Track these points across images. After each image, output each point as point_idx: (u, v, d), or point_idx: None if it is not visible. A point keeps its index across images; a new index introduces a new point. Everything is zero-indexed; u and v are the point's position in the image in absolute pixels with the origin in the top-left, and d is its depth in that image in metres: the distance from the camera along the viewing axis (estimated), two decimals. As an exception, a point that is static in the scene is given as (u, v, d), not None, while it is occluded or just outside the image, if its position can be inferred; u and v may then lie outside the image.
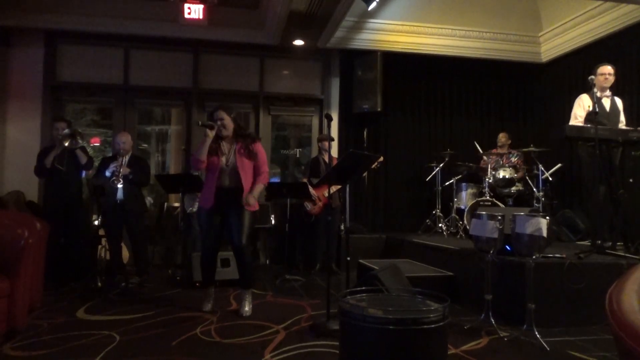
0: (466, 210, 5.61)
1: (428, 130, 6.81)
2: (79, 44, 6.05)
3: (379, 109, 6.26)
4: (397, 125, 6.73)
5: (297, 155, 6.96)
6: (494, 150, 6.17)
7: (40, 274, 3.24)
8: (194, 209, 5.33)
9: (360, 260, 4.80)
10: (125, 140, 4.63)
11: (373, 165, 4.83)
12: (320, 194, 5.27)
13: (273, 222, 5.71)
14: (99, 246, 4.74)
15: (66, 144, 4.45)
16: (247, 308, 3.58)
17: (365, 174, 6.05)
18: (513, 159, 5.96)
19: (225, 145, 3.57)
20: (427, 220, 6.00)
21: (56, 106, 6.00)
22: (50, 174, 4.55)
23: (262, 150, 3.67)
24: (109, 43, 6.08)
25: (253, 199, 3.54)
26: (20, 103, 5.78)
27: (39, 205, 5.34)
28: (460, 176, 5.97)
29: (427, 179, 6.17)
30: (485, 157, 5.97)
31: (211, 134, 3.46)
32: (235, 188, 3.53)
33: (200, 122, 3.49)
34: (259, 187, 3.61)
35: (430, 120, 6.83)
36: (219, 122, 3.51)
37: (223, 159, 3.53)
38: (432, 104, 6.85)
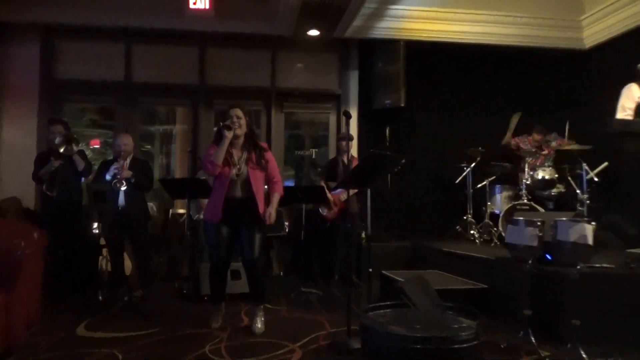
0: (501, 215, 5.54)
1: (457, 127, 6.74)
2: (78, 39, 6.15)
3: (402, 105, 6.22)
4: (422, 122, 6.67)
5: (313, 156, 6.97)
6: (529, 139, 6.09)
7: (38, 287, 3.29)
8: (202, 216, 5.36)
9: (383, 272, 4.77)
10: (126, 141, 4.69)
11: (397, 167, 4.79)
12: (336, 197, 5.26)
13: (287, 229, 5.72)
14: (100, 257, 4.80)
15: (61, 151, 4.52)
16: (259, 325, 3.59)
17: (388, 176, 6.02)
18: (553, 143, 5.88)
19: (235, 154, 3.59)
20: (458, 227, 5.94)
21: (54, 106, 6.11)
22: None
23: (272, 158, 3.75)
24: (110, 37, 6.16)
25: (275, 215, 3.64)
26: (16, 103, 5.89)
27: (36, 213, 5.44)
28: (493, 177, 5.90)
29: (456, 181, 6.11)
30: (523, 158, 5.89)
31: (230, 134, 3.48)
32: (247, 199, 3.57)
33: (221, 123, 3.53)
34: (277, 199, 3.69)
35: (459, 116, 6.76)
36: (235, 122, 3.52)
37: (234, 170, 3.55)
38: (462, 98, 6.78)
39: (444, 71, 6.72)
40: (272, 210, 3.62)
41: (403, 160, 4.74)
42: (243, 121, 3.55)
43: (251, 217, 3.55)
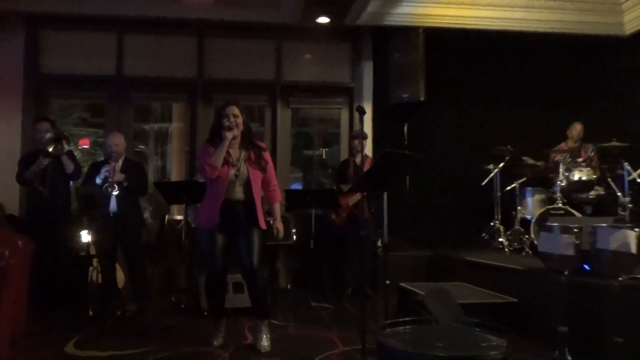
0: (533, 221, 5.51)
1: (483, 123, 6.72)
2: (65, 30, 6.22)
3: (421, 99, 6.21)
4: (444, 118, 6.66)
5: (323, 156, 6.98)
6: (562, 146, 6.06)
7: (23, 300, 3.34)
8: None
9: (402, 284, 4.76)
10: (118, 141, 4.73)
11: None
12: (345, 202, 5.25)
13: (295, 237, 5.72)
14: (90, 267, 4.83)
15: (50, 150, 4.56)
16: (264, 342, 3.60)
17: (406, 178, 6.01)
18: (589, 154, 5.83)
19: (233, 153, 3.62)
20: (484, 234, 5.92)
21: (39, 103, 6.17)
22: (33, 185, 4.67)
23: (271, 160, 3.80)
24: (100, 27, 6.22)
25: (282, 225, 3.78)
26: (-3, 100, 5.97)
27: (20, 220, 5.49)
28: (524, 179, 5.87)
29: (483, 183, 6.08)
30: (556, 157, 5.87)
31: (231, 135, 3.51)
32: (246, 202, 3.61)
33: (224, 123, 3.56)
34: (279, 208, 3.82)
35: (485, 111, 6.74)
36: (232, 121, 3.55)
37: (232, 171, 3.58)
38: (488, 90, 6.75)
39: (468, 61, 6.70)
40: (279, 223, 3.76)
41: (423, 160, 4.78)
42: (240, 119, 3.59)
43: (250, 221, 3.59)
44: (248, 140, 3.66)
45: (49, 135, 4.60)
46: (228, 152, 3.57)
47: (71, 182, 4.94)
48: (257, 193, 3.64)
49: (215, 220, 3.54)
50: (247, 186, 3.60)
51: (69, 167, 4.70)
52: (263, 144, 3.77)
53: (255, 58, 6.53)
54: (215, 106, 6.41)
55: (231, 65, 6.47)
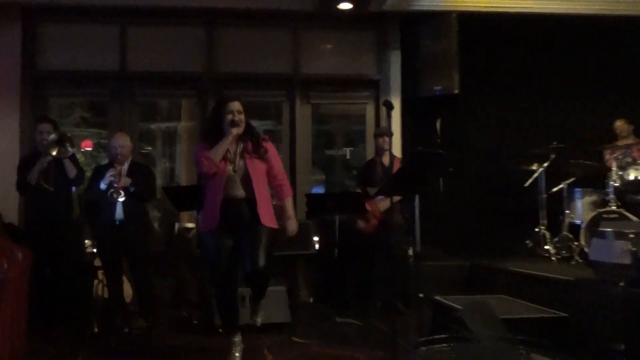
0: (583, 226, 5.47)
1: (525, 117, 6.68)
2: (64, 22, 6.34)
3: (455, 91, 6.19)
4: (481, 112, 6.63)
5: (347, 157, 6.99)
6: (617, 143, 6.00)
7: (22, 315, 3.40)
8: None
9: (436, 297, 4.74)
10: (123, 142, 4.77)
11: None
12: (374, 207, 5.25)
13: (316, 246, 5.74)
14: (95, 280, 4.91)
15: (54, 153, 4.62)
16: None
17: (439, 179, 5.98)
18: None
19: (230, 149, 3.66)
20: (528, 241, 5.87)
21: (37, 102, 6.28)
22: (34, 191, 4.72)
23: (273, 148, 3.81)
24: (101, 19, 6.33)
25: (295, 223, 3.79)
26: (-7, 99, 6.10)
27: (19, 229, 5.59)
28: (572, 179, 5.82)
29: (526, 184, 6.04)
30: (608, 155, 5.81)
31: (236, 131, 3.58)
32: (247, 199, 3.64)
33: (228, 121, 3.61)
34: (290, 204, 3.84)
35: (527, 105, 6.70)
36: (239, 120, 3.61)
37: (230, 166, 3.63)
38: (530, 81, 6.71)
39: (506, 49, 6.66)
40: (293, 220, 3.78)
41: (458, 160, 4.74)
42: (243, 116, 3.64)
43: (252, 220, 3.60)
44: (246, 133, 3.70)
45: (52, 137, 4.64)
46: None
47: (73, 188, 5.01)
48: (260, 187, 3.66)
49: (215, 222, 3.58)
50: (248, 181, 3.63)
51: (71, 171, 4.76)
52: (265, 136, 3.83)
53: (270, 49, 6.57)
54: (215, 102, 6.48)
55: (244, 57, 6.52)
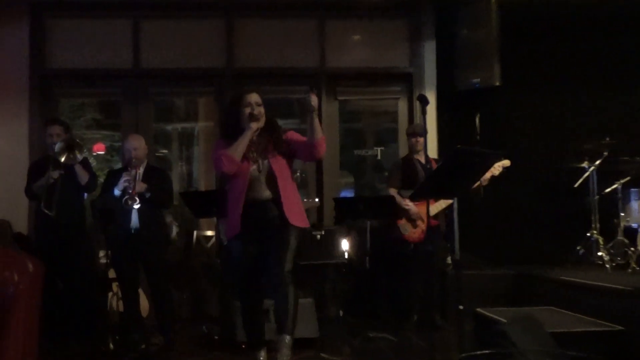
0: (640, 230, 5.39)
1: (574, 111, 6.59)
2: (73, 18, 6.46)
3: (496, 83, 6.15)
4: (525, 107, 6.57)
5: (378, 157, 6.98)
6: None
7: (34, 330, 3.44)
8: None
9: (478, 309, 4.72)
10: (137, 145, 4.83)
11: (495, 171, 4.78)
12: (423, 210, 5.19)
13: (347, 255, 5.74)
14: (110, 293, 4.98)
15: (62, 160, 4.71)
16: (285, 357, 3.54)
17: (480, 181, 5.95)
18: None
19: (252, 146, 3.67)
20: (579, 247, 5.81)
21: (47, 102, 6.41)
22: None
23: (295, 134, 3.80)
24: (113, 13, 6.45)
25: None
26: (1, 100, 6.20)
27: (29, 239, 5.70)
28: (627, 178, 5.74)
29: (575, 185, 5.98)
30: None
31: (256, 126, 3.60)
32: (273, 200, 3.64)
33: (248, 114, 3.62)
34: (318, 125, 3.56)
35: (575, 97, 6.60)
36: (255, 110, 3.63)
37: (254, 165, 3.64)
38: (578, 72, 6.61)
39: (552, 36, 6.58)
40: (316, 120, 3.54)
41: (500, 158, 4.72)
42: (262, 109, 3.67)
43: (282, 220, 3.61)
44: (266, 129, 3.71)
45: (58, 145, 4.71)
46: (248, 146, 3.63)
47: (85, 195, 5.09)
48: (287, 185, 3.67)
49: (237, 227, 3.59)
50: (274, 181, 3.64)
51: (83, 177, 4.84)
52: (286, 130, 3.83)
53: (294, 42, 6.61)
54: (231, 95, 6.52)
55: (266, 51, 6.57)
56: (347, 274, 5.91)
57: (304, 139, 3.67)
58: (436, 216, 5.02)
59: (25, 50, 6.27)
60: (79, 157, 4.75)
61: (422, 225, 5.23)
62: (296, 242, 3.64)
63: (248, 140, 3.57)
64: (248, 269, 3.66)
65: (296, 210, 3.67)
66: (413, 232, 5.26)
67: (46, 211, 4.67)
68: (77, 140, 4.88)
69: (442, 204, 5.02)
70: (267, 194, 3.65)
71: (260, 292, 3.77)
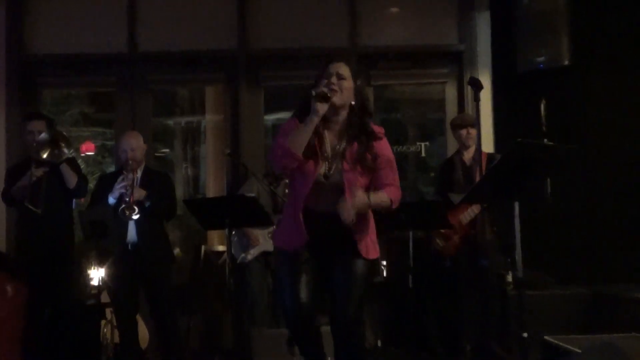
0: None
1: (662, 95, 6.52)
2: (58, -7, 6.54)
3: (565, 63, 6.12)
4: (600, 90, 6.50)
5: (422, 154, 6.97)
6: None
7: (16, 362, 3.52)
8: (250, 257, 5.48)
9: (546, 337, 4.69)
10: (135, 144, 4.88)
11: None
12: (455, 219, 5.20)
13: (385, 273, 5.75)
14: (103, 321, 5.03)
15: (44, 156, 4.75)
16: None
17: (547, 180, 5.92)
18: None
19: (328, 140, 3.42)
20: (670, 262, 5.76)
21: (27, 94, 6.48)
22: (24, 209, 4.83)
23: (388, 150, 3.51)
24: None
25: (361, 202, 3.27)
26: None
27: (8, 257, 5.76)
28: None
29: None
30: None
31: (323, 108, 3.25)
32: (338, 218, 3.31)
33: (314, 92, 3.25)
34: (381, 198, 3.37)
35: (664, 77, 6.54)
36: (334, 85, 3.33)
37: (323, 166, 3.38)
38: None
39: (636, 5, 6.52)
40: (359, 203, 3.26)
41: (572, 154, 4.68)
42: (348, 84, 3.37)
43: (345, 246, 3.40)
44: (357, 124, 3.42)
45: (42, 136, 4.77)
46: (321, 138, 3.38)
47: (74, 203, 5.14)
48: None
49: (296, 239, 3.40)
50: (340, 195, 3.31)
51: (71, 179, 4.90)
52: (380, 129, 3.51)
53: (319, 17, 6.63)
54: (266, 88, 6.49)
55: (285, 29, 6.59)
56: (386, 295, 5.93)
57: (389, 174, 3.45)
58: (473, 225, 5.02)
59: (1, 33, 6.34)
60: (66, 152, 4.80)
61: (455, 238, 5.23)
62: (363, 279, 3.46)
63: (313, 125, 3.25)
64: (299, 287, 3.41)
65: (364, 236, 3.45)
66: (447, 246, 5.26)
67: (31, 207, 4.70)
68: (64, 133, 4.93)
69: (474, 210, 5.01)
70: (328, 207, 3.33)
71: (312, 314, 3.50)
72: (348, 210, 3.21)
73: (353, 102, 3.38)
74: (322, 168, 3.35)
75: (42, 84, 6.71)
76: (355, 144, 3.37)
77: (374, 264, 3.53)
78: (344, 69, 3.35)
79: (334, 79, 3.31)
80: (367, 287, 3.56)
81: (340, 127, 3.42)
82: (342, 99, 3.32)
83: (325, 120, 3.35)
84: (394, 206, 3.42)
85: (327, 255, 3.45)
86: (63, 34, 6.48)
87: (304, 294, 3.42)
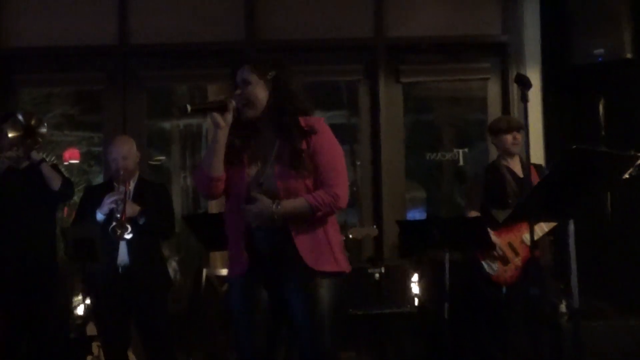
0: None
1: None
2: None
3: (627, 56, 6.11)
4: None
5: (460, 162, 6.97)
6: None
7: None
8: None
9: (608, 377, 4.70)
10: (127, 151, 4.88)
11: (625, 173, 4.71)
12: (515, 239, 5.17)
13: (417, 301, 5.75)
14: (89, 357, 5.05)
15: (11, 135, 4.75)
16: None
17: (607, 193, 5.91)
18: None
19: (257, 145, 3.40)
20: None
21: (2, 92, 6.53)
22: None
23: (330, 141, 3.41)
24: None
25: (264, 212, 3.21)
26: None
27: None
28: None
29: None
30: None
31: (223, 120, 3.25)
32: (284, 230, 3.29)
33: (189, 106, 3.27)
34: (296, 205, 3.27)
35: None
36: (237, 93, 3.34)
37: (252, 169, 3.35)
38: None
39: None
40: (259, 213, 3.22)
41: (636, 163, 4.66)
42: (255, 89, 3.33)
43: (297, 265, 3.26)
44: (279, 122, 3.36)
45: (17, 116, 4.81)
46: (246, 146, 3.37)
47: (56, 212, 5.16)
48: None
49: (239, 266, 3.35)
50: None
51: (54, 180, 4.84)
52: (315, 121, 3.40)
53: (339, 4, 6.65)
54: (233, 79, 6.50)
55: (300, 17, 6.64)
56: (418, 327, 5.93)
57: (330, 172, 3.34)
58: (537, 245, 4.99)
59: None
60: (43, 130, 4.83)
61: (515, 261, 5.18)
62: (333, 300, 3.32)
63: (221, 143, 3.26)
64: (250, 322, 3.36)
65: (315, 246, 3.33)
66: (503, 271, 5.21)
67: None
68: (40, 117, 4.95)
69: (543, 227, 4.97)
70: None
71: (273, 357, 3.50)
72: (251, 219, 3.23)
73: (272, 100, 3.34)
74: (251, 171, 3.33)
75: (19, 82, 6.74)
76: (286, 144, 3.32)
77: (343, 282, 3.33)
78: (247, 73, 3.34)
79: (237, 91, 3.32)
80: (338, 312, 3.40)
81: (268, 128, 3.39)
82: (253, 108, 3.31)
83: (255, 129, 3.38)
84: (319, 214, 3.29)
85: (277, 280, 3.36)
86: (45, 25, 6.50)
87: (255, 328, 3.37)
